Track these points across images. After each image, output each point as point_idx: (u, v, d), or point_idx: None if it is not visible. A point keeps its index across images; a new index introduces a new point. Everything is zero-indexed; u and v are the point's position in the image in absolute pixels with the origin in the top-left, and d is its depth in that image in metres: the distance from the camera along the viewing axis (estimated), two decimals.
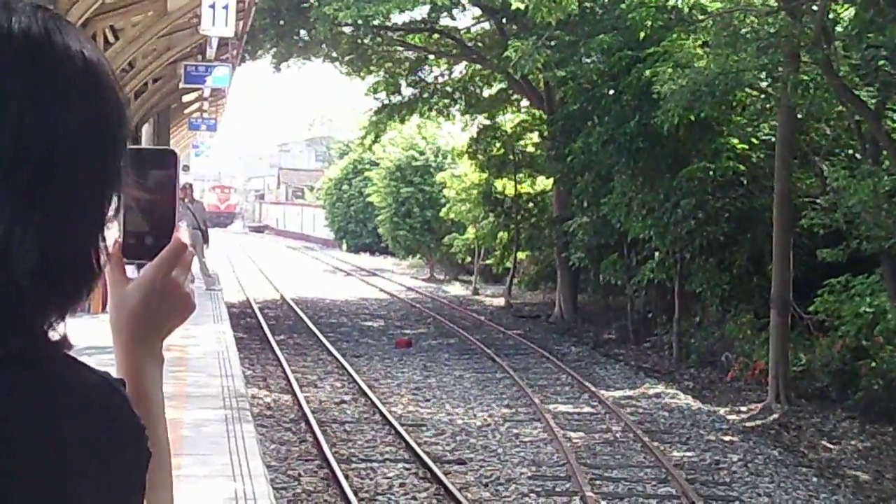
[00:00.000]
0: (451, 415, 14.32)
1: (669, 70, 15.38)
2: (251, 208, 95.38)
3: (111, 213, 1.12)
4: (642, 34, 17.53)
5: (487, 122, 30.51)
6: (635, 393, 16.28)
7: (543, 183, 29.51)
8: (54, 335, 1.09)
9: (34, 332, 1.06)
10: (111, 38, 16.48)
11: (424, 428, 13.45)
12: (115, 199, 1.12)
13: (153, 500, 1.16)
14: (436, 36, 28.53)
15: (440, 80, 30.84)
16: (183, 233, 1.28)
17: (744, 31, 14.79)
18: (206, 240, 21.99)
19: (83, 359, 1.12)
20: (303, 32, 27.69)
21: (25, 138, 1.03)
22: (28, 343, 1.04)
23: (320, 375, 16.92)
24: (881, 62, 13.85)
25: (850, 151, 16.86)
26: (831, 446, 13.23)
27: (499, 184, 30.23)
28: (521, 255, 30.37)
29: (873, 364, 14.31)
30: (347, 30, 26.71)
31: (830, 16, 15.09)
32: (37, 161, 1.03)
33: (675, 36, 16.65)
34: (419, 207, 39.85)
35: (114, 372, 1.19)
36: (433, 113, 31.70)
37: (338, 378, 16.74)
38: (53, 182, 1.04)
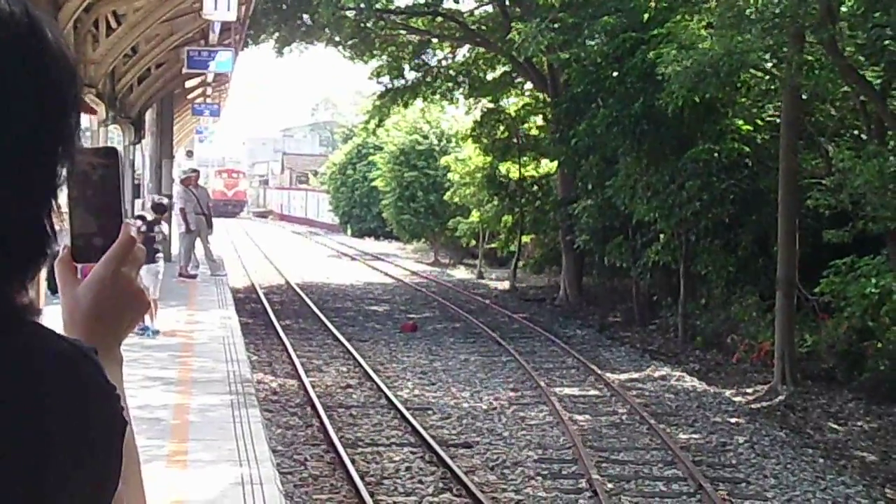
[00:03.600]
0: (456, 398, 14.32)
1: (673, 52, 15.31)
2: (255, 193, 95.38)
3: (63, 179, 1.10)
4: (646, 16, 17.51)
5: (491, 106, 30.40)
6: (641, 375, 16.26)
7: (548, 166, 29.43)
8: (21, 301, 1.07)
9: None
10: (113, 24, 16.46)
11: (430, 411, 13.46)
12: (67, 164, 1.10)
13: (124, 494, 1.14)
14: (439, 19, 28.44)
15: (443, 63, 30.77)
16: (131, 228, 1.26)
17: (748, 11, 14.72)
18: (209, 225, 22.10)
19: None
20: (305, 17, 27.64)
21: None
22: None
23: (326, 360, 16.92)
24: (886, 42, 13.78)
25: (856, 132, 16.79)
26: (838, 427, 13.21)
27: (503, 167, 30.15)
28: (525, 239, 30.32)
29: (879, 345, 14.29)
30: (350, 14, 26.67)
31: None
32: None
33: (679, 17, 16.60)
34: (423, 191, 39.77)
35: None
36: (437, 97, 31.64)
37: (343, 362, 16.74)
38: (6, 146, 1.02)
